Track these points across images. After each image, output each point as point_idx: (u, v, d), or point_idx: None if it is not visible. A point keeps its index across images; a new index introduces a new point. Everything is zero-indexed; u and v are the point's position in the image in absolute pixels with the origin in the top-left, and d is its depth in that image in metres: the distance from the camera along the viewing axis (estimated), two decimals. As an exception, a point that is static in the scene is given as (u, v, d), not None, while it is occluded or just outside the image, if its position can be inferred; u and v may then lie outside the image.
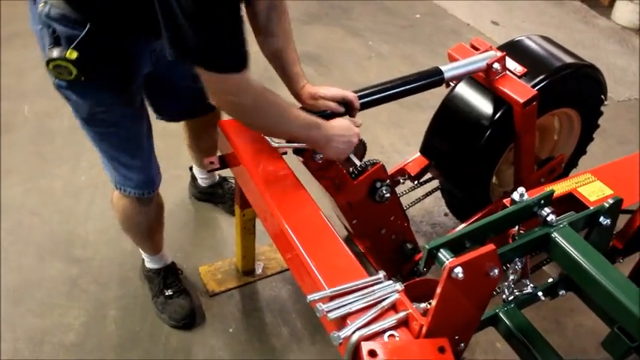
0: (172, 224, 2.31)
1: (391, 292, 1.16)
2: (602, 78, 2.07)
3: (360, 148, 1.65)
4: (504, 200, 1.26)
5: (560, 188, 1.42)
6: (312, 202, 1.46)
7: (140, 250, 2.02)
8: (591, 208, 1.31)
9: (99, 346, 1.91)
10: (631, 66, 4.07)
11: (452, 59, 1.89)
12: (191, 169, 2.46)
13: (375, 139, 2.92)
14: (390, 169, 2.09)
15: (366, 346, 1.06)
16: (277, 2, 1.57)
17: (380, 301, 1.15)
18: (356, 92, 1.64)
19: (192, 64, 1.25)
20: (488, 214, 2.07)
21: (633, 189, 1.46)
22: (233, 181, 2.38)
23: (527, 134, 1.90)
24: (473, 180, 2.07)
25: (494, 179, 2.20)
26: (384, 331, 1.11)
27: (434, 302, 1.05)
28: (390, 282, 1.19)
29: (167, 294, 2.00)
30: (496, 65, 1.81)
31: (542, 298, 1.43)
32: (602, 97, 2.12)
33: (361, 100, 1.63)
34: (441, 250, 1.07)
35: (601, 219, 1.25)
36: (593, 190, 1.42)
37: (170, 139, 2.42)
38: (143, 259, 2.06)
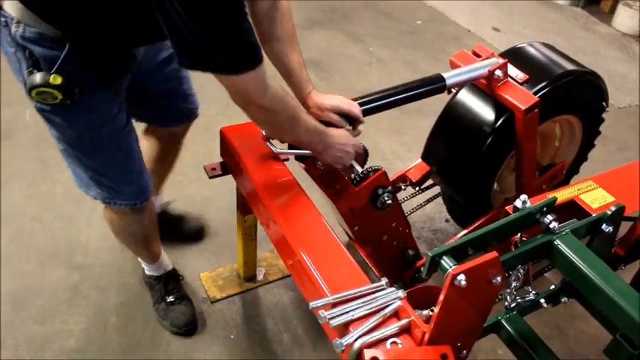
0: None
1: (393, 299, 1.16)
2: (604, 85, 2.08)
3: (362, 155, 1.66)
4: (507, 207, 1.26)
5: (562, 195, 1.42)
6: (314, 209, 1.46)
7: (139, 258, 2.02)
8: (593, 215, 1.31)
9: (100, 353, 1.91)
10: (631, 73, 4.09)
11: (454, 66, 1.89)
12: None
13: (376, 146, 2.92)
14: (392, 176, 2.10)
15: (368, 354, 1.06)
16: (278, 2, 1.51)
17: (382, 308, 1.15)
18: (357, 99, 1.64)
19: (199, 69, 1.20)
20: (489, 220, 2.07)
21: (635, 196, 1.46)
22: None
23: (528, 141, 1.91)
24: (474, 186, 2.07)
25: (495, 185, 2.20)
26: (386, 339, 1.11)
27: (436, 309, 1.05)
28: (393, 289, 1.19)
29: (168, 300, 2.00)
30: (498, 72, 1.82)
31: (545, 305, 1.43)
32: (604, 104, 2.13)
33: (363, 107, 1.63)
34: (444, 257, 1.07)
35: (603, 226, 1.25)
36: (596, 198, 1.42)
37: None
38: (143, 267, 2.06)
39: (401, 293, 1.17)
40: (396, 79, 1.69)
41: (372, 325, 1.11)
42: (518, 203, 1.21)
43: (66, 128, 1.43)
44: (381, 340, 1.10)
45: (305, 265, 1.29)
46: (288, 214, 1.44)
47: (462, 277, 0.99)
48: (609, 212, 1.25)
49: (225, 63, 1.19)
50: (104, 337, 1.96)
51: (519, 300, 1.40)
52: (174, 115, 1.89)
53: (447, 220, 2.54)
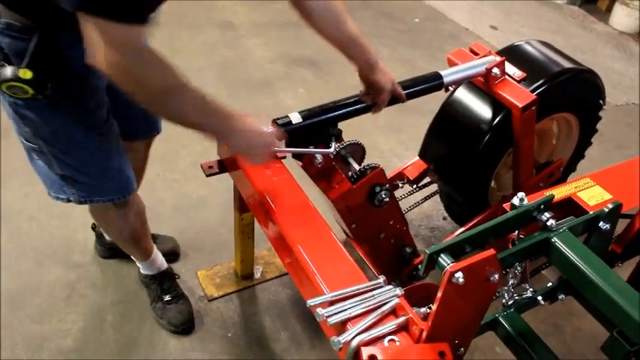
0: (171, 229, 2.32)
1: (391, 297, 1.16)
2: (601, 83, 2.08)
3: (359, 153, 1.66)
4: (504, 205, 1.26)
5: (559, 193, 1.42)
6: (312, 206, 1.46)
7: (132, 256, 2.01)
8: (591, 212, 1.31)
9: (97, 352, 1.90)
10: (628, 71, 4.09)
11: (451, 64, 1.89)
12: (94, 227, 2.18)
13: (373, 144, 2.92)
14: (389, 173, 2.10)
15: (366, 351, 1.05)
16: None
17: (380, 306, 1.15)
18: (355, 96, 1.64)
19: (83, 9, 1.06)
20: (486, 218, 2.07)
21: (632, 194, 1.46)
22: None
23: (526, 138, 1.91)
24: (471, 184, 2.07)
25: (492, 183, 2.20)
26: (384, 336, 1.10)
27: (434, 307, 1.05)
28: (390, 286, 1.18)
29: (165, 299, 1.99)
30: (495, 70, 1.82)
31: (542, 302, 1.43)
32: (601, 101, 2.13)
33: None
34: (442, 254, 1.07)
35: (601, 224, 1.25)
36: (593, 195, 1.42)
37: (167, 144, 2.42)
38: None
39: (398, 291, 1.16)
40: (394, 77, 1.69)
41: (369, 322, 1.11)
42: (515, 201, 1.21)
43: (40, 124, 1.38)
44: (379, 338, 1.10)
45: (302, 262, 1.29)
46: (286, 212, 1.43)
47: (459, 274, 0.99)
48: (606, 210, 1.25)
49: (113, 6, 1.05)
50: (101, 336, 1.95)
51: (517, 297, 1.40)
52: (135, 124, 1.76)
53: (444, 218, 2.54)
